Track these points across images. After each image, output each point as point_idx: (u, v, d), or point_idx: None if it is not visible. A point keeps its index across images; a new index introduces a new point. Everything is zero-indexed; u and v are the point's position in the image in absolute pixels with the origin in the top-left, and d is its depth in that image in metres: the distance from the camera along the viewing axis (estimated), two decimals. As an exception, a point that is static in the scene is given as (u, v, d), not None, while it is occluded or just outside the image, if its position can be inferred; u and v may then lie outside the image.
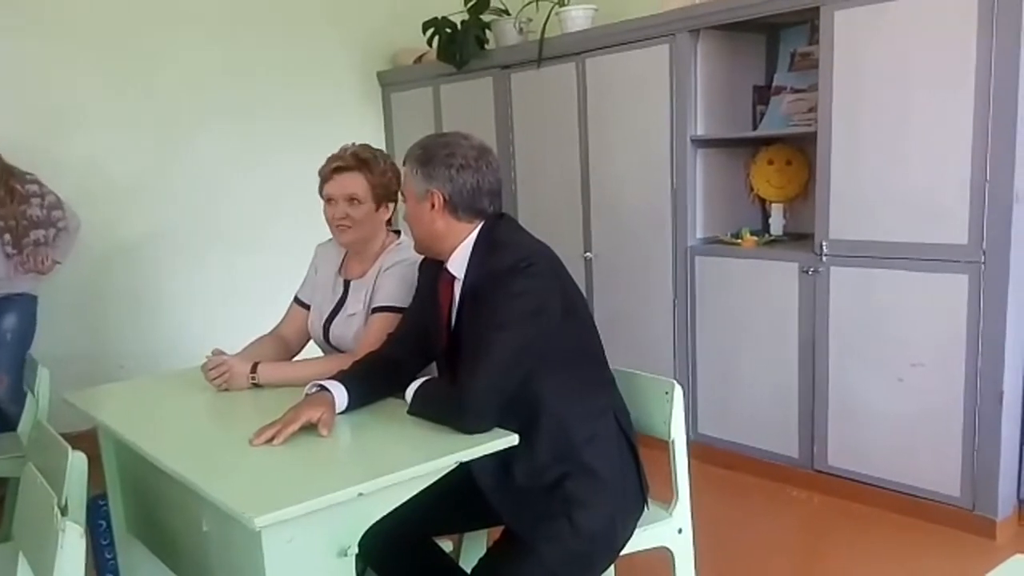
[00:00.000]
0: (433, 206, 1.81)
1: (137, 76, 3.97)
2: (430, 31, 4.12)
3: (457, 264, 1.84)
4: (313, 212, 2.31)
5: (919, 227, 2.74)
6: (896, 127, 2.75)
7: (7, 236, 3.17)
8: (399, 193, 2.13)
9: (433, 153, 1.82)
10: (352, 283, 2.27)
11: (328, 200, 2.22)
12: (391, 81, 4.68)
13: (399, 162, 2.07)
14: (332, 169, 2.20)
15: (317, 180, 2.26)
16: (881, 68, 2.76)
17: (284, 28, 4.36)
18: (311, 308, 2.35)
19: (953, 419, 2.74)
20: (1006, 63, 2.49)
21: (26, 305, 3.28)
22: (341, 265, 2.34)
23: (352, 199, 2.18)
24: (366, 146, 2.25)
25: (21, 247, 3.20)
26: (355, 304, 2.23)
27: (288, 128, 4.34)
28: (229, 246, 4.27)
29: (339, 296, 2.28)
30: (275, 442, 1.65)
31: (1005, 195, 2.54)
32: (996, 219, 2.57)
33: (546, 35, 3.76)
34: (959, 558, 2.61)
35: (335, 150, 2.25)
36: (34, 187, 3.27)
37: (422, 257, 2.03)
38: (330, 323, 2.27)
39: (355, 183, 2.18)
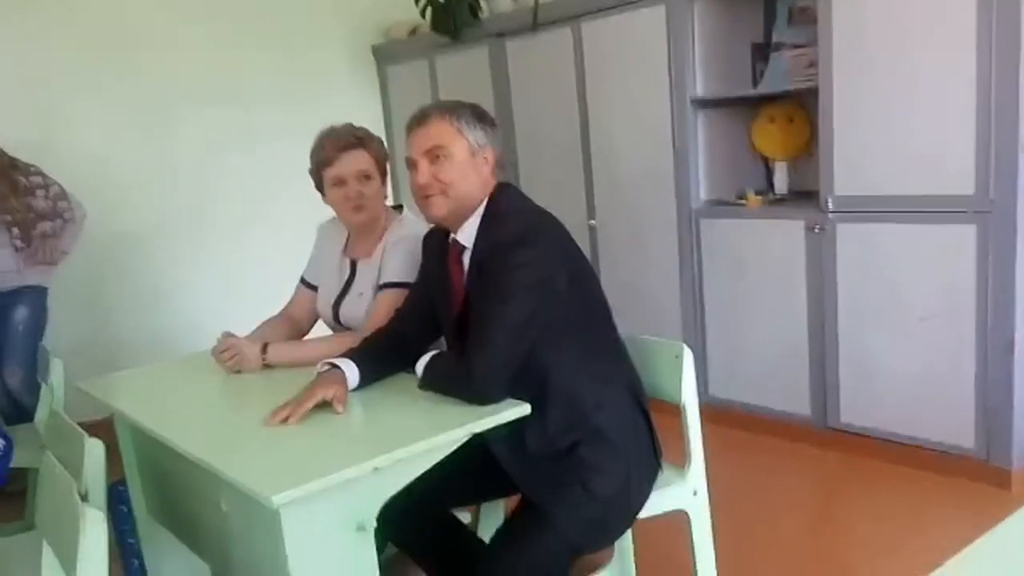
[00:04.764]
0: (486, 160, 1.83)
1: (126, 57, 3.94)
2: (423, 2, 4.08)
3: (467, 234, 1.83)
4: (313, 191, 2.30)
5: (924, 179, 2.72)
6: (898, 79, 2.72)
7: (15, 230, 3.18)
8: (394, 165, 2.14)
9: (480, 112, 1.85)
10: (359, 263, 2.26)
11: (337, 182, 2.18)
12: (386, 55, 4.64)
13: (399, 136, 2.06)
14: (340, 148, 2.16)
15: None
16: (881, 20, 2.72)
17: (276, 6, 4.32)
18: (319, 289, 2.35)
19: (965, 370, 2.74)
20: (1009, 12, 2.44)
21: (37, 297, 3.30)
22: (345, 245, 2.33)
23: (365, 176, 2.17)
24: (352, 124, 2.24)
25: (30, 240, 3.21)
26: (364, 283, 2.23)
27: (284, 107, 4.32)
28: (230, 227, 4.27)
29: (346, 276, 2.28)
30: (290, 421, 1.66)
31: (1010, 143, 2.51)
32: (1002, 168, 2.54)
33: (540, 0, 3.71)
34: (974, 509, 2.62)
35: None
36: (38, 179, 3.27)
37: (426, 231, 2.03)
38: (339, 304, 2.27)
39: (363, 159, 2.18)
